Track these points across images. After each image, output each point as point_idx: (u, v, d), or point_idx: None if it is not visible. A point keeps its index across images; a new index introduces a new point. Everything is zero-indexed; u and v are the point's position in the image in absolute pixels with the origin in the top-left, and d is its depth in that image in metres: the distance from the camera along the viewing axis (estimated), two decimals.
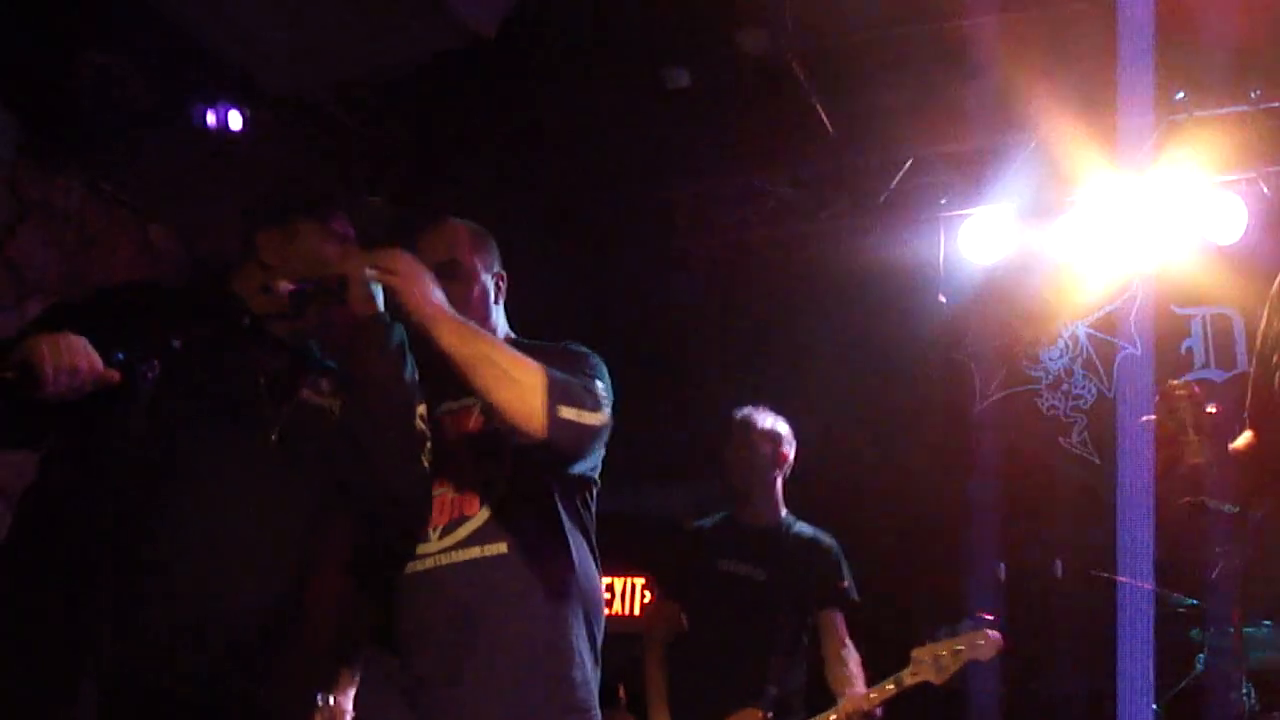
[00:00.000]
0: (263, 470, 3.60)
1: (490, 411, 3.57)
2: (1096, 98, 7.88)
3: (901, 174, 8.92)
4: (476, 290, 3.88)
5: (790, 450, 6.21)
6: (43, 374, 3.01)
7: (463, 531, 3.67)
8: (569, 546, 3.70)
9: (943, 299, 9.02)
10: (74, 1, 6.24)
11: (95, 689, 2.84)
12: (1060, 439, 8.98)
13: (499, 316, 3.98)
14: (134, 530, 3.24)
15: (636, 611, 9.84)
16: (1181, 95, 8.03)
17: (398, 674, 3.75)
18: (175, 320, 3.36)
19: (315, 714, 3.90)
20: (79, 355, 3.08)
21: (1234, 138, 8.08)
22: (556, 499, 3.71)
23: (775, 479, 6.15)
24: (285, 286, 3.54)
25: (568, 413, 3.44)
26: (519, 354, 3.49)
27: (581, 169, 8.62)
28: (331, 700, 3.94)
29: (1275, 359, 3.68)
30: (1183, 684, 6.91)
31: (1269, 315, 3.82)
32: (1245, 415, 3.88)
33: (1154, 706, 7.19)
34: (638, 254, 9.41)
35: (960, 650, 5.63)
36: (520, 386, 3.42)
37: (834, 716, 5.63)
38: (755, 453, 6.10)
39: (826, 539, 6.16)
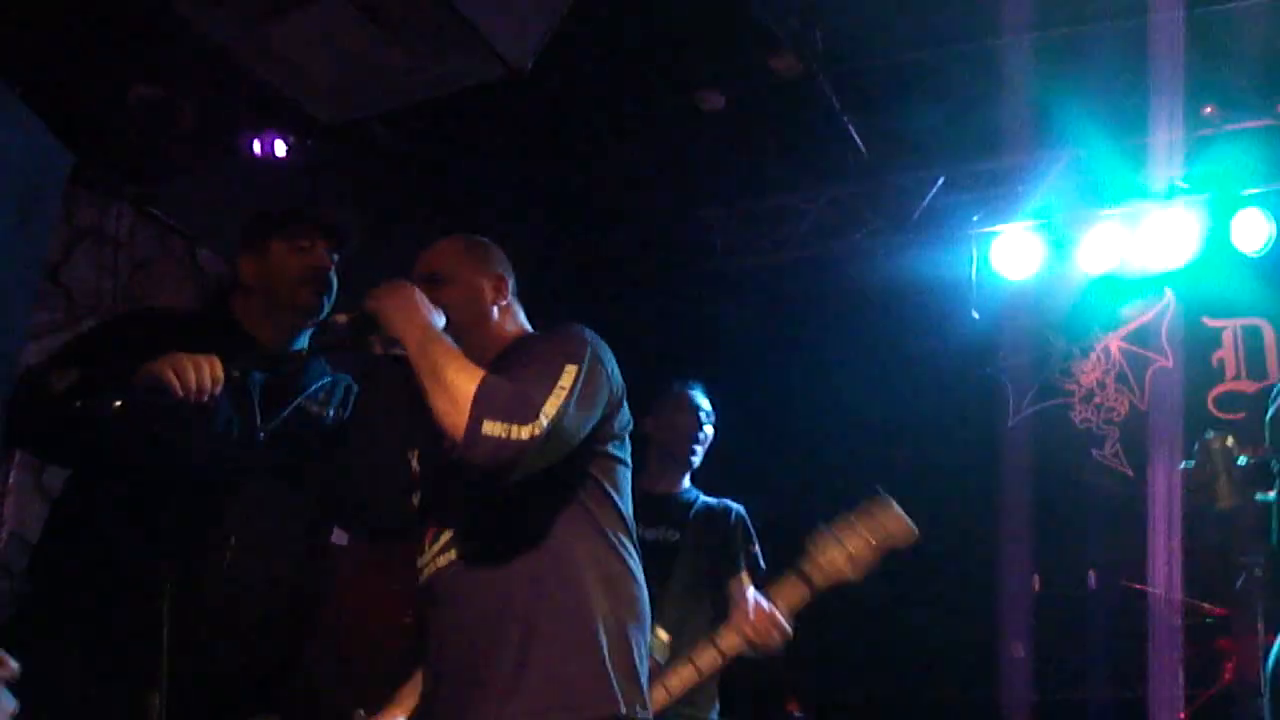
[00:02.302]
0: (267, 475, 3.82)
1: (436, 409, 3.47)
2: (1126, 113, 7.96)
3: (934, 192, 9.01)
4: (463, 294, 3.92)
5: None
6: (175, 391, 3.21)
7: (443, 538, 3.70)
8: (546, 550, 3.62)
9: (976, 315, 9.11)
10: (125, 33, 6.40)
11: (164, 695, 2.98)
12: (1093, 451, 9.02)
13: (504, 316, 4.00)
14: (187, 538, 3.42)
15: None
16: (1210, 109, 8.10)
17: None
18: (204, 344, 3.51)
19: None
20: (205, 371, 3.30)
21: (1262, 150, 8.16)
22: (540, 499, 3.63)
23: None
24: (341, 319, 3.71)
25: (492, 428, 3.32)
26: (466, 366, 3.44)
27: (619, 192, 8.73)
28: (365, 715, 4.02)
29: None
30: (1210, 693, 6.97)
31: None
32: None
33: (1180, 715, 7.24)
34: (675, 275, 9.52)
35: (873, 542, 4.86)
36: (452, 399, 3.37)
37: (734, 635, 5.02)
38: (702, 427, 6.01)
39: (732, 504, 5.95)
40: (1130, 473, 8.83)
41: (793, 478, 6.69)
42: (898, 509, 4.94)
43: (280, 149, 7.32)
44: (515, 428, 3.33)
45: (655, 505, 5.87)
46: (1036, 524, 8.63)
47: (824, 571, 4.88)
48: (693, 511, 5.91)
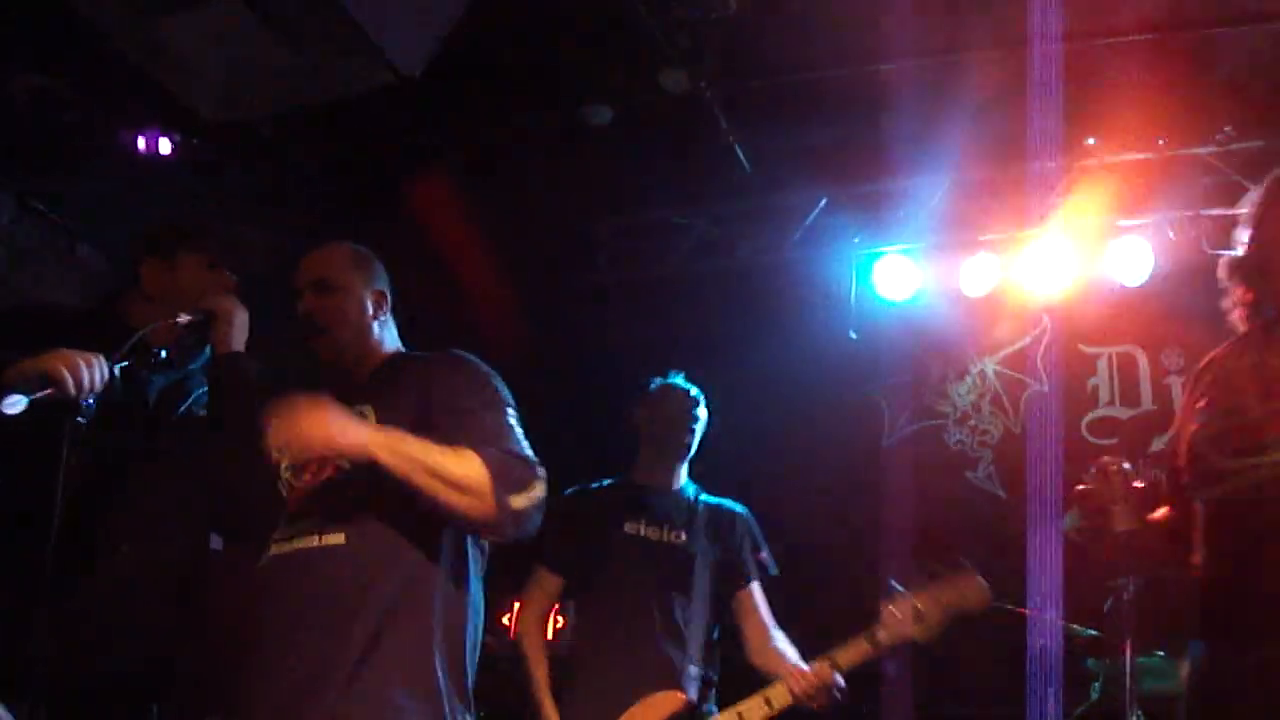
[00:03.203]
0: (152, 478, 3.77)
1: (444, 516, 3.58)
2: (1007, 140, 8.05)
3: (816, 212, 9.07)
4: (351, 306, 3.97)
5: None
6: (67, 388, 3.14)
7: (304, 522, 3.68)
8: (418, 545, 3.65)
9: (853, 335, 9.18)
10: (11, 21, 6.29)
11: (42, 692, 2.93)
12: (967, 473, 9.13)
13: (382, 331, 4.06)
14: (70, 540, 3.36)
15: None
16: (1092, 141, 8.23)
17: None
18: (82, 341, 3.42)
19: None
20: (96, 369, 3.23)
21: (1141, 183, 8.30)
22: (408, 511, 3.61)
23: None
24: (183, 318, 3.68)
25: (519, 501, 3.52)
26: (458, 456, 3.50)
27: (505, 203, 8.69)
28: None
29: (1189, 435, 3.85)
30: (1080, 711, 7.06)
31: (1190, 391, 3.99)
32: (1165, 484, 4.05)
33: None
34: (558, 287, 9.50)
35: (946, 601, 5.00)
36: (469, 493, 3.48)
37: (786, 687, 5.06)
38: (695, 409, 5.82)
39: (738, 507, 5.81)
40: (1003, 494, 8.93)
41: None
42: (977, 577, 5.09)
43: (165, 146, 7.22)
44: (532, 491, 3.57)
45: (654, 501, 5.71)
46: (912, 544, 8.70)
47: (890, 631, 5.03)
48: (699, 514, 5.69)
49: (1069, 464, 8.59)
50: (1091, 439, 8.75)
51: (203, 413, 4.07)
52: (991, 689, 8.14)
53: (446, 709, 3.53)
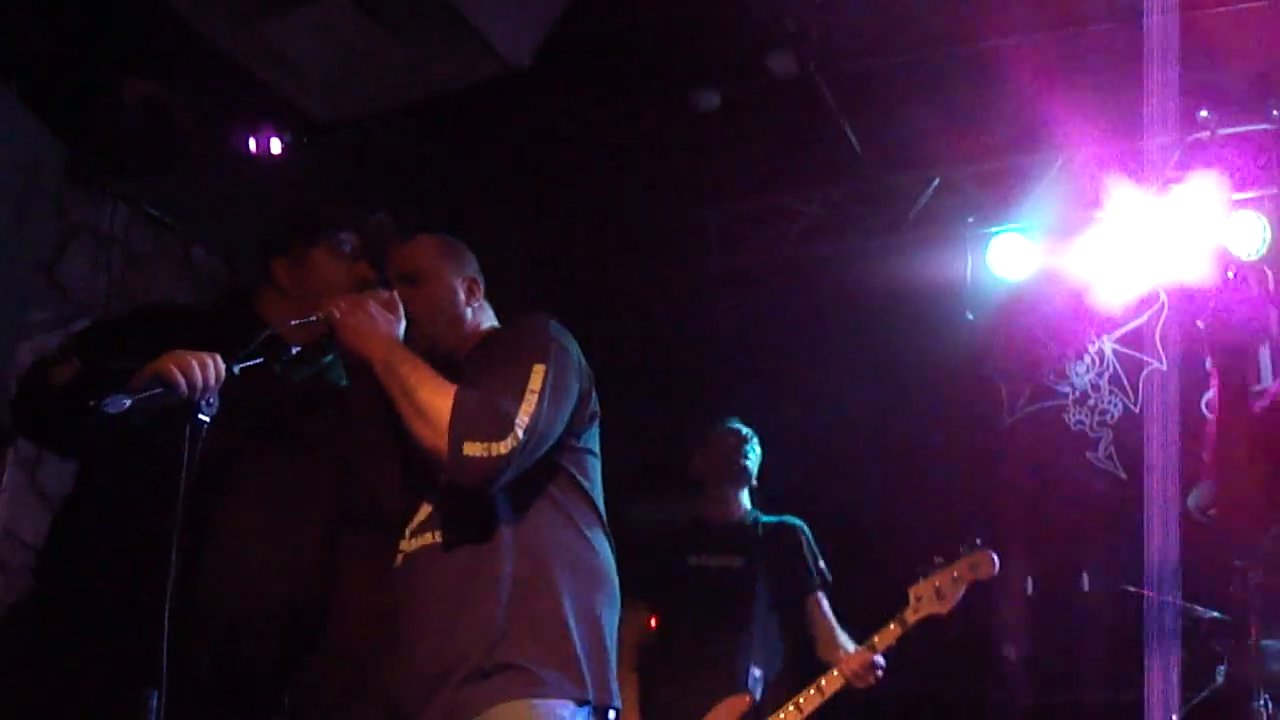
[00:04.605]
0: (288, 479, 3.80)
1: (410, 443, 3.63)
2: (1121, 116, 7.96)
3: (929, 193, 9.00)
4: (441, 295, 4.04)
5: None
6: (179, 388, 3.18)
7: (420, 517, 3.78)
8: (515, 536, 3.68)
9: (970, 316, 9.11)
10: (119, 29, 6.39)
11: (162, 695, 2.96)
12: (1087, 454, 9.00)
13: (478, 316, 4.11)
14: (192, 539, 3.40)
15: None
16: (1205, 113, 8.10)
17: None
18: (209, 341, 3.45)
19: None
20: (210, 368, 3.27)
21: (1256, 155, 8.16)
22: (511, 490, 3.67)
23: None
24: (310, 317, 3.72)
25: (473, 448, 3.47)
26: (437, 384, 3.57)
27: (614, 191, 8.72)
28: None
29: None
30: (1203, 695, 6.97)
31: None
32: None
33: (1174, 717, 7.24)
34: (671, 274, 9.49)
35: (959, 576, 5.72)
36: (428, 422, 3.52)
37: (836, 671, 5.69)
38: (744, 445, 6.39)
39: (794, 521, 6.36)
40: (1124, 475, 8.81)
41: (784, 477, 6.70)
42: (988, 550, 5.79)
43: (276, 147, 7.30)
44: (494, 444, 3.48)
45: (716, 533, 6.30)
46: (1029, 526, 8.63)
47: (915, 610, 5.68)
48: (758, 535, 6.23)
49: (1188, 443, 8.48)
50: (1211, 417, 8.59)
51: (332, 414, 4.09)
52: (1111, 672, 8.06)
53: (587, 675, 3.56)
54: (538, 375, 3.64)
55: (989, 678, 8.32)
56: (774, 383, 9.03)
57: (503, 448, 3.47)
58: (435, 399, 3.52)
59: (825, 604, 6.17)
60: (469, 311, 4.08)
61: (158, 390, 3.16)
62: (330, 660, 4.05)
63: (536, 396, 3.59)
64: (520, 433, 3.51)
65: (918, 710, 5.70)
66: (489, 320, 4.16)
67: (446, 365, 3.88)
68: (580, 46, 7.04)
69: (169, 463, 3.12)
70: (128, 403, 3.06)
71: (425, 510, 3.77)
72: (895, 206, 9.12)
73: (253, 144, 7.30)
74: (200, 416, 3.19)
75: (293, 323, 3.72)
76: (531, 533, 3.69)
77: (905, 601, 5.70)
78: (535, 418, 3.55)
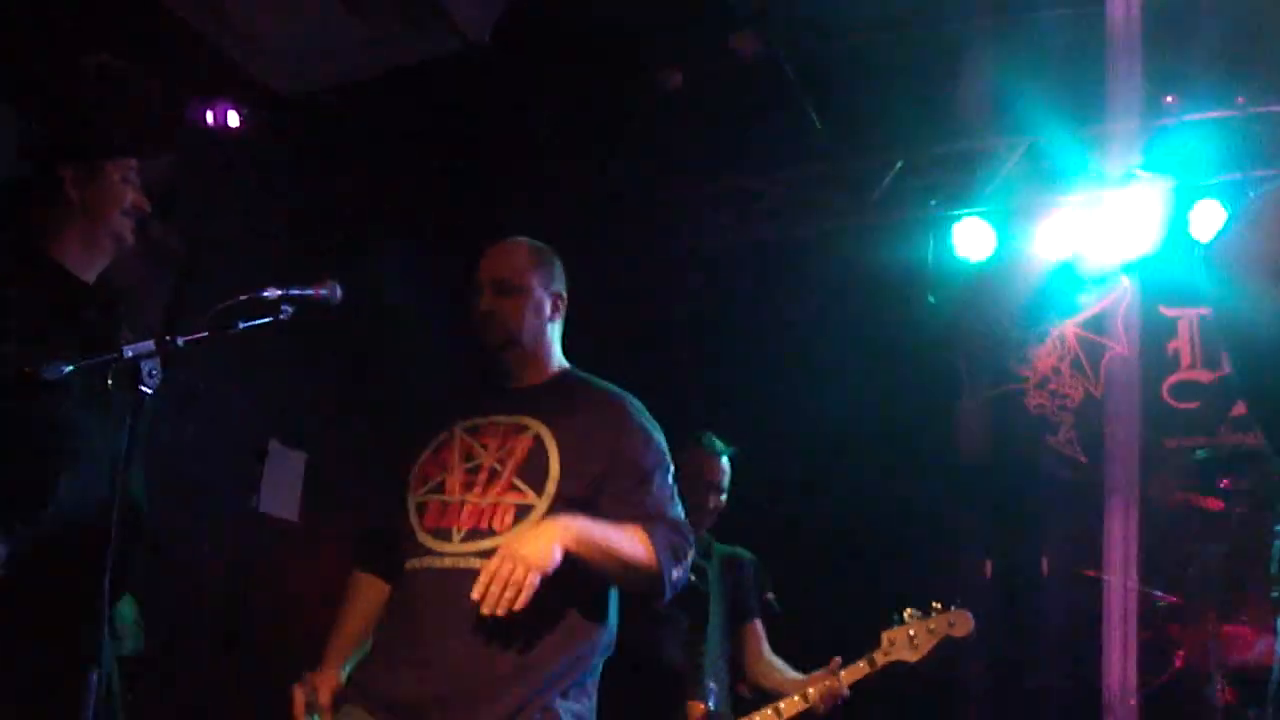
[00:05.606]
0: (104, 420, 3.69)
1: (621, 586, 4.01)
2: (1086, 100, 7.95)
3: (892, 176, 8.97)
4: (530, 307, 4.12)
5: None
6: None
7: (486, 543, 3.80)
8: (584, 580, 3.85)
9: (932, 299, 9.11)
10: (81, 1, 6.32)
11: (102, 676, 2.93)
12: (1047, 437, 9.02)
13: (553, 334, 4.23)
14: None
15: None
16: (1171, 99, 8.11)
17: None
18: None
19: (295, 687, 3.99)
20: None
21: (1222, 141, 8.16)
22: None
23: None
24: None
25: (678, 571, 3.90)
26: (628, 535, 3.83)
27: (575, 171, 8.67)
28: (313, 677, 4.03)
29: None
30: (1163, 678, 6.99)
31: None
32: None
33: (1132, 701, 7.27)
34: (633, 256, 9.45)
35: (934, 629, 5.68)
36: (643, 573, 3.84)
37: (799, 698, 5.68)
38: (723, 481, 6.33)
39: (745, 554, 6.43)
40: (1084, 459, 8.82)
41: (744, 460, 6.68)
42: (966, 611, 5.73)
43: (234, 120, 7.21)
44: (687, 560, 3.96)
45: None
46: (989, 509, 8.65)
47: (887, 655, 5.67)
48: (712, 560, 6.25)
49: (1150, 428, 8.51)
50: (1173, 403, 8.63)
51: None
52: (1070, 656, 8.07)
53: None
54: (672, 474, 4.13)
55: (946, 661, 8.33)
56: (735, 364, 9.01)
57: (691, 554, 3.99)
58: (638, 552, 3.84)
59: (761, 631, 6.28)
60: (549, 329, 4.21)
61: (106, 358, 3.11)
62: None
63: (678, 496, 4.11)
64: (691, 534, 4.02)
65: (874, 692, 5.67)
66: (560, 348, 4.29)
67: (508, 382, 4.17)
68: (543, 24, 7.00)
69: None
70: (67, 369, 3.02)
71: (498, 537, 3.84)
72: (858, 189, 9.10)
73: (210, 116, 7.21)
74: (142, 388, 3.14)
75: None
76: (579, 606, 3.97)
77: (877, 643, 5.71)
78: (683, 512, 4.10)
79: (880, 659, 5.67)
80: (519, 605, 3.56)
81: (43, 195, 3.93)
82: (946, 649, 5.74)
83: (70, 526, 3.35)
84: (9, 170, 6.13)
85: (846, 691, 5.69)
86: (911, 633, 5.65)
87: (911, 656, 5.67)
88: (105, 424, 3.32)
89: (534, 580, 3.56)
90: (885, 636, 5.69)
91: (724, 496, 6.32)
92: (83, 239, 3.91)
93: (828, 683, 5.66)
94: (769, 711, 5.70)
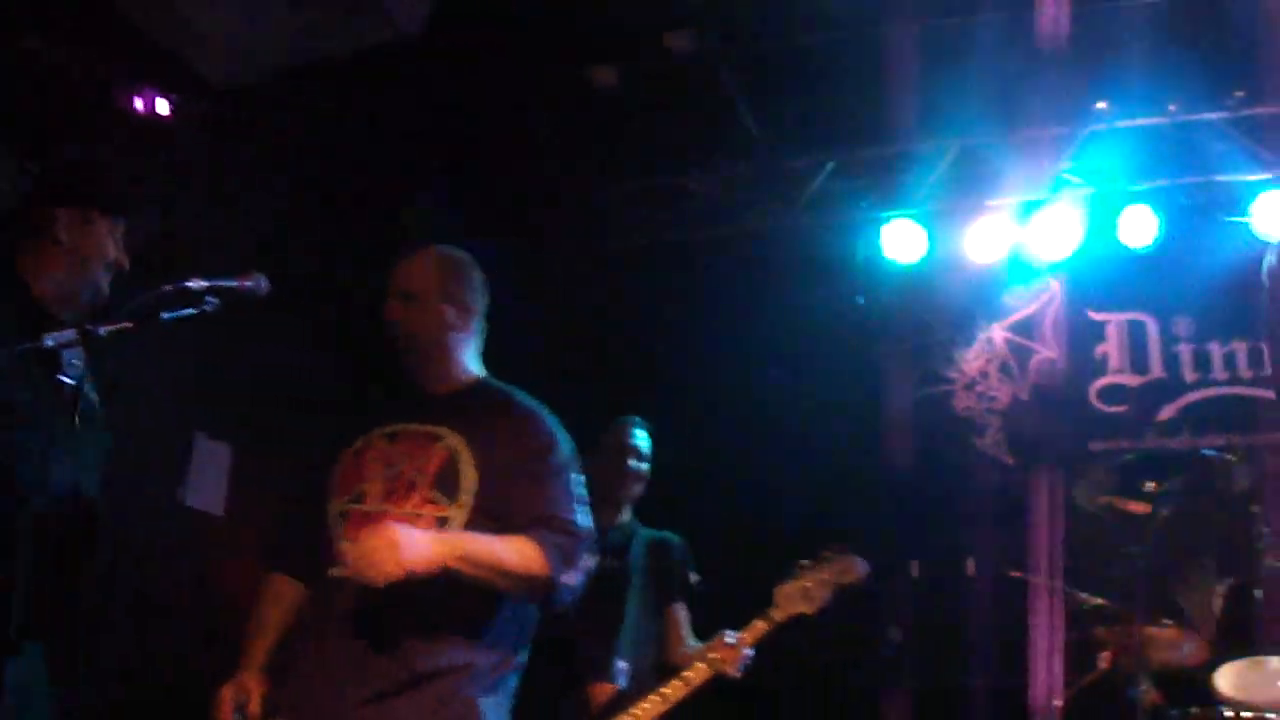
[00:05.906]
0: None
1: (511, 597, 3.92)
2: (1017, 105, 7.99)
3: (824, 176, 8.98)
4: (430, 316, 4.09)
5: None
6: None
7: None
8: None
9: (861, 300, 9.14)
10: None
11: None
12: (974, 440, 9.06)
13: (459, 343, 4.17)
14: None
15: None
16: (1102, 104, 8.15)
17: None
18: None
19: (224, 687, 3.95)
20: None
21: (1152, 147, 8.22)
22: None
23: None
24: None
25: (572, 578, 3.87)
26: (516, 548, 3.78)
27: (507, 168, 8.63)
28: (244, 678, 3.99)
29: None
30: (1089, 679, 7.03)
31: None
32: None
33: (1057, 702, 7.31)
34: (564, 254, 9.42)
35: (827, 579, 5.58)
36: (533, 582, 3.80)
37: (702, 664, 5.57)
38: (639, 446, 6.38)
39: (673, 537, 6.43)
40: (1011, 461, 8.87)
41: (669, 449, 6.67)
42: (856, 557, 5.65)
43: (164, 108, 7.12)
44: (583, 564, 3.94)
45: (599, 535, 6.11)
46: (916, 510, 8.68)
47: (783, 609, 5.54)
48: (636, 543, 6.28)
49: (1077, 431, 8.57)
50: (1100, 406, 8.69)
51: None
52: (996, 657, 8.12)
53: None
54: (574, 479, 4.06)
55: (873, 661, 8.35)
56: (666, 364, 9.00)
57: (589, 560, 3.99)
58: (528, 563, 3.79)
59: (683, 614, 6.28)
60: (451, 339, 4.14)
61: (24, 346, 3.08)
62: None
63: (582, 499, 4.04)
64: (588, 539, 3.99)
65: (800, 692, 5.69)
66: (474, 360, 4.24)
67: (422, 392, 4.14)
68: (477, 18, 6.97)
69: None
70: None
71: None
72: (790, 189, 9.10)
73: (140, 104, 7.11)
74: (62, 377, 3.11)
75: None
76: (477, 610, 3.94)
77: (771, 601, 5.61)
78: (586, 514, 4.03)
79: (777, 615, 5.57)
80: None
81: (32, 229, 3.94)
82: (875, 658, 5.73)
83: None
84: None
85: (748, 651, 5.59)
86: (807, 584, 5.55)
87: (809, 609, 5.55)
88: (41, 417, 3.27)
89: (393, 575, 3.53)
90: (778, 591, 5.60)
91: (644, 466, 6.35)
92: (64, 279, 3.91)
93: (718, 654, 5.55)
94: (678, 682, 5.60)
